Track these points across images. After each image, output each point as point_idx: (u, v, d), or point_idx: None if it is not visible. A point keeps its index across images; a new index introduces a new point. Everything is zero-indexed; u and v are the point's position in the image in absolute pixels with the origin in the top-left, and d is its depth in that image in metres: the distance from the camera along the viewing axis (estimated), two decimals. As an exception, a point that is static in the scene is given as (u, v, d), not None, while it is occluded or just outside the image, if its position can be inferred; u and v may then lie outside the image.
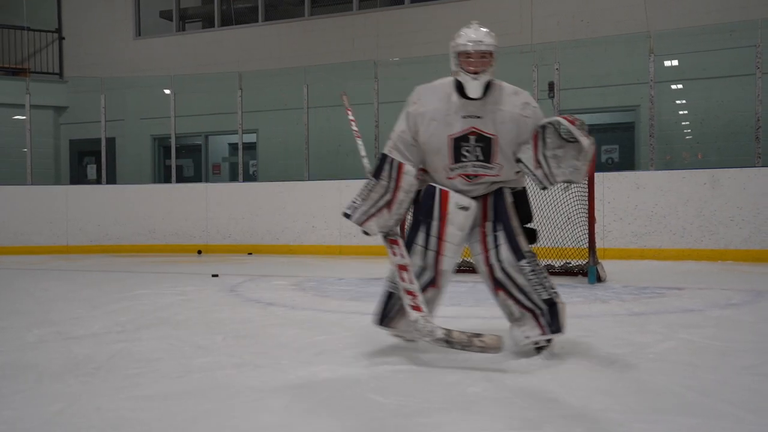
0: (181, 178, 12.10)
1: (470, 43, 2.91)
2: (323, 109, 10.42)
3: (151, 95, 11.98)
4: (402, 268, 2.95)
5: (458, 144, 2.95)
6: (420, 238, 3.01)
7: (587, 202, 5.80)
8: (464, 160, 2.96)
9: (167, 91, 10.91)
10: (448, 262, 2.99)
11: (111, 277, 6.72)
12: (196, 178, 12.48)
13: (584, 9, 10.33)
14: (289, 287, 5.66)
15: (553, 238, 6.29)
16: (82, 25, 13.56)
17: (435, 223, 2.97)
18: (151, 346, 3.30)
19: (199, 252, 9.63)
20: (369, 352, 3.10)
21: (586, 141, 2.81)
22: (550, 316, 2.93)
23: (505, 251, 2.96)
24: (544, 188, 2.96)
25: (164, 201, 9.96)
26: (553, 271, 6.15)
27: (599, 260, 5.78)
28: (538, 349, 2.98)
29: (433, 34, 11.20)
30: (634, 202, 7.68)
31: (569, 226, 6.20)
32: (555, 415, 2.18)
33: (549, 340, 2.96)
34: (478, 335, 2.77)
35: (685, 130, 9.86)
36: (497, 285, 3.00)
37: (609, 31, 9.77)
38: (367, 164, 3.24)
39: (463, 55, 2.91)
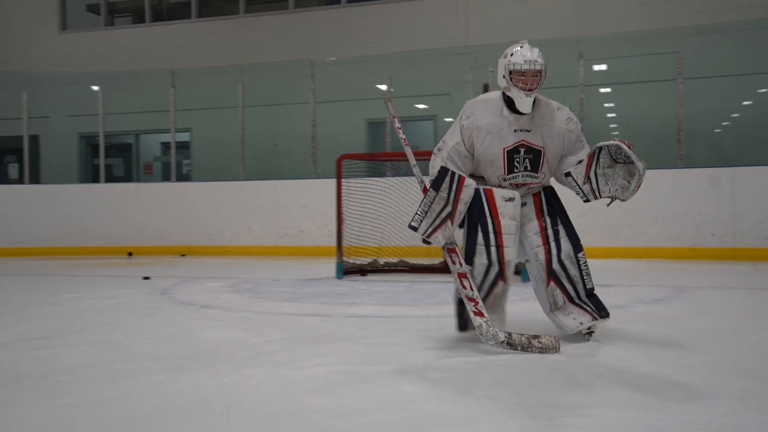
0: (111, 178, 11.72)
1: (525, 63, 3.13)
2: (259, 108, 10.30)
3: (79, 92, 11.54)
4: (461, 276, 3.07)
5: (511, 156, 3.15)
6: (480, 238, 3.13)
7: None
8: (515, 171, 3.18)
9: (95, 88, 10.53)
10: (511, 252, 3.15)
11: (38, 280, 6.45)
12: (127, 178, 12.11)
13: (518, 13, 10.57)
14: (224, 289, 5.55)
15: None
16: (2, 16, 12.94)
17: (489, 220, 3.12)
18: (80, 352, 3.17)
19: (130, 254, 9.34)
20: (305, 354, 3.07)
21: (641, 165, 3.04)
22: (594, 304, 3.23)
23: (565, 244, 3.23)
24: (587, 201, 3.22)
25: (93, 201, 9.62)
26: (488, 270, 6.25)
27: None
28: (588, 334, 3.24)
29: (370, 34, 11.25)
30: (565, 202, 7.86)
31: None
32: (490, 410, 2.20)
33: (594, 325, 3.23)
34: (536, 337, 2.98)
35: (614, 133, 10.21)
36: (550, 276, 3.22)
37: (541, 35, 10.01)
38: (418, 173, 3.35)
39: (517, 73, 3.13)
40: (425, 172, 3.27)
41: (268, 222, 8.99)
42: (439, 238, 3.07)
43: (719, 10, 9.54)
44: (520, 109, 3.15)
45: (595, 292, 3.26)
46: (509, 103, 3.18)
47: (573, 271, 3.21)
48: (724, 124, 9.61)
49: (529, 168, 3.18)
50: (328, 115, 10.09)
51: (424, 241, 3.09)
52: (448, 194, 3.06)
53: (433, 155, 3.26)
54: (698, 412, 2.16)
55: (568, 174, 3.20)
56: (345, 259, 6.43)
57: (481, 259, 3.14)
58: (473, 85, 8.72)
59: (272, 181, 9.10)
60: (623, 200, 3.18)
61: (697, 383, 2.49)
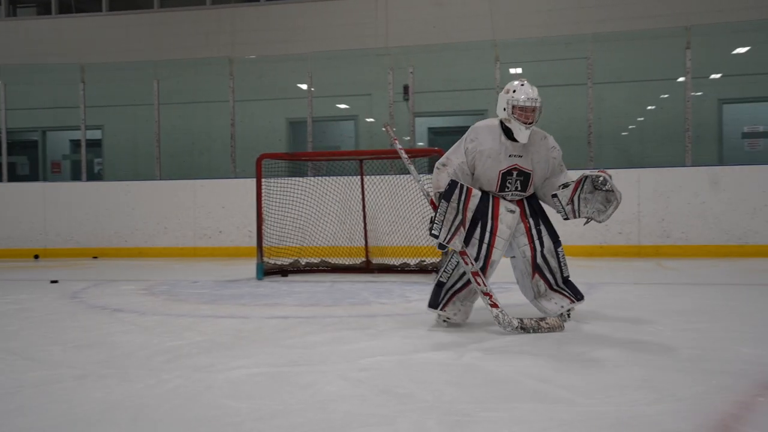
0: (14, 177, 11.10)
1: (528, 100, 3.56)
2: (176, 106, 10.03)
3: (-22, 85, 10.88)
4: (475, 274, 3.47)
5: (504, 177, 3.61)
6: (477, 232, 3.57)
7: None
8: (507, 189, 3.64)
9: (-3, 82, 9.96)
10: (498, 253, 3.59)
11: (-71, 286, 6.03)
12: (33, 177, 11.51)
13: (436, 16, 10.75)
14: (139, 292, 5.38)
15: (408, 237, 6.48)
16: None
17: (490, 221, 3.58)
18: (-23, 362, 2.99)
19: (36, 257, 8.89)
20: (224, 357, 3.02)
21: (619, 194, 3.52)
22: (570, 289, 3.74)
23: (547, 241, 3.68)
24: (567, 219, 3.64)
25: (-6, 202, 9.09)
26: (408, 269, 6.34)
27: (451, 257, 6.03)
28: (568, 314, 3.73)
29: (290, 33, 11.16)
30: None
31: (424, 226, 6.39)
32: (408, 409, 2.24)
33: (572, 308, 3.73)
34: (543, 319, 3.47)
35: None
36: (535, 269, 3.68)
37: (458, 38, 10.24)
38: (425, 187, 3.82)
39: (519, 108, 3.56)
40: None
41: (185, 222, 8.77)
42: (456, 243, 3.44)
43: (625, 18, 10.03)
44: (519, 139, 3.59)
45: (570, 279, 3.77)
46: (506, 131, 3.63)
47: (553, 263, 3.70)
48: (630, 127, 10.12)
49: (519, 188, 3.65)
50: (247, 114, 9.95)
51: (441, 246, 3.46)
52: (458, 204, 3.43)
53: (436, 170, 3.67)
54: (602, 402, 2.27)
55: (554, 195, 3.62)
56: (266, 259, 6.36)
57: (471, 251, 3.55)
58: (393, 86, 8.81)
59: (190, 181, 8.88)
60: (599, 222, 3.61)
61: (602, 375, 2.62)
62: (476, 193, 3.51)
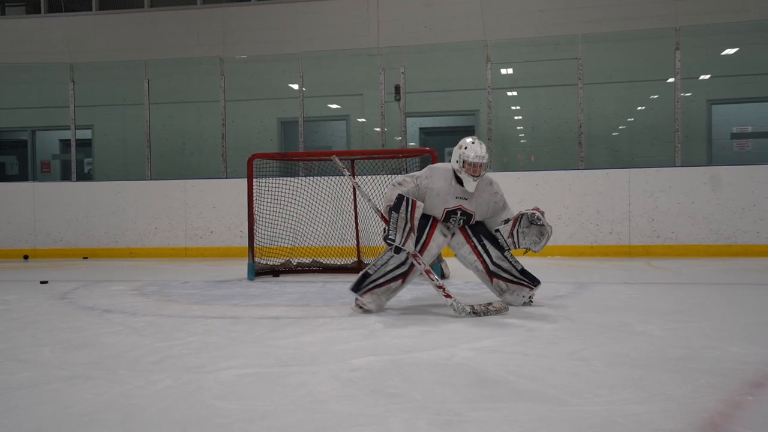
0: (4, 177, 11.04)
1: (476, 157, 4.10)
2: (166, 106, 10.00)
3: (-34, 84, 10.80)
4: (428, 272, 4.06)
5: (449, 214, 4.24)
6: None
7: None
8: (450, 223, 4.28)
9: (-15, 80, 9.90)
10: (420, 268, 4.09)
11: None
12: (22, 177, 11.45)
13: (427, 16, 10.76)
14: (129, 292, 5.35)
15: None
16: None
17: (424, 236, 4.20)
18: (-35, 363, 2.97)
19: (26, 257, 8.84)
20: (214, 357, 3.01)
21: (550, 228, 4.14)
22: (527, 277, 4.29)
23: (492, 250, 4.27)
24: (509, 249, 4.24)
25: (-17, 202, 9.02)
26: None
27: (443, 258, 6.03)
28: (531, 300, 4.32)
29: (281, 32, 11.14)
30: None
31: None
32: (399, 409, 2.24)
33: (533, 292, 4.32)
34: (489, 304, 4.04)
35: (520, 135, 10.59)
36: (492, 275, 4.28)
37: (449, 39, 10.25)
38: (377, 205, 4.64)
39: (469, 164, 4.11)
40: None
41: (176, 223, 8.74)
42: (410, 245, 3.97)
43: (615, 19, 10.08)
44: (467, 188, 4.15)
45: (524, 268, 4.30)
46: (458, 178, 4.19)
47: (505, 264, 4.27)
48: (620, 127, 10.17)
49: (461, 224, 4.29)
50: (238, 114, 9.93)
51: (397, 249, 3.96)
52: (407, 214, 3.95)
53: (392, 186, 4.20)
54: (592, 401, 2.28)
55: (497, 230, 4.22)
56: (257, 260, 6.34)
57: (402, 256, 4.11)
58: (385, 86, 8.82)
59: (181, 181, 8.85)
60: (535, 251, 4.19)
61: (592, 374, 2.63)
62: (419, 205, 4.01)
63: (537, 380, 2.55)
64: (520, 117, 10.64)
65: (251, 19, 11.42)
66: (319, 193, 6.78)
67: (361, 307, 4.19)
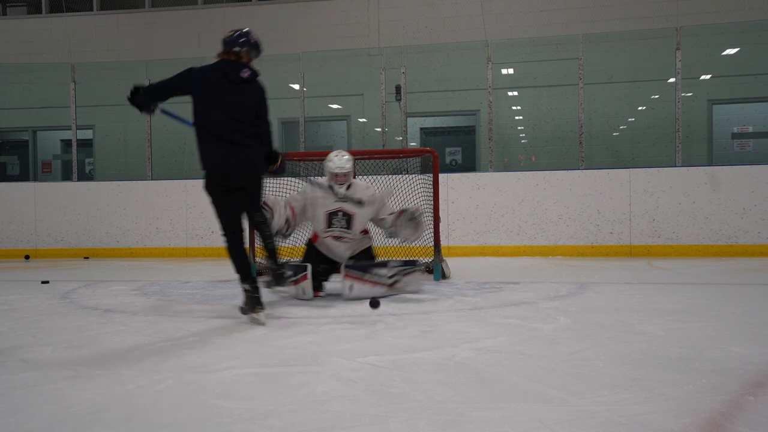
0: (5, 177, 11.05)
1: (337, 168, 4.83)
2: (167, 106, 9.99)
3: (-33, 84, 10.80)
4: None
5: (330, 217, 4.88)
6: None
7: (432, 202, 6.03)
8: (333, 227, 4.90)
9: (-14, 81, 9.90)
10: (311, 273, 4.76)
11: None
12: (23, 177, 11.44)
13: (427, 16, 10.76)
14: (130, 292, 5.36)
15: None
16: None
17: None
18: (-33, 363, 2.98)
19: (27, 257, 8.84)
20: (216, 357, 3.02)
21: (424, 224, 4.96)
22: (409, 265, 4.99)
23: (380, 271, 4.80)
24: (391, 237, 5.07)
25: (-16, 202, 9.03)
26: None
27: (444, 258, 6.04)
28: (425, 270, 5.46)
29: (282, 33, 11.14)
30: (476, 202, 8.12)
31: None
32: (400, 409, 2.25)
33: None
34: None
35: (521, 135, 10.59)
36: (392, 286, 4.83)
37: (450, 39, 10.25)
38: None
39: (333, 174, 4.84)
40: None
41: (177, 223, 8.75)
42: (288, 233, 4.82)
43: (615, 19, 10.07)
44: (338, 196, 4.83)
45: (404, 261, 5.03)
46: (332, 187, 4.88)
47: (393, 272, 4.83)
48: (621, 127, 10.16)
49: (344, 226, 4.89)
50: (240, 114, 9.91)
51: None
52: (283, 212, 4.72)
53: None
54: (593, 401, 2.29)
55: (381, 220, 4.97)
56: (258, 260, 6.33)
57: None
58: (386, 86, 8.82)
59: (181, 181, 8.85)
60: (411, 241, 5.01)
61: (594, 374, 2.63)
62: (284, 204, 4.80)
63: (538, 380, 2.55)
64: (521, 117, 10.64)
65: (252, 19, 11.42)
66: (320, 193, 6.78)
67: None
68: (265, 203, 4.39)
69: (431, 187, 6.02)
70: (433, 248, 5.99)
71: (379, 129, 9.34)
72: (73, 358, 3.06)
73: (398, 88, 8.87)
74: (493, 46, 8.72)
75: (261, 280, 4.22)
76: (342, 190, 4.83)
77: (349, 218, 4.88)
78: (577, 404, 2.26)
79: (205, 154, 4.04)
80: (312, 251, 5.09)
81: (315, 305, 4.56)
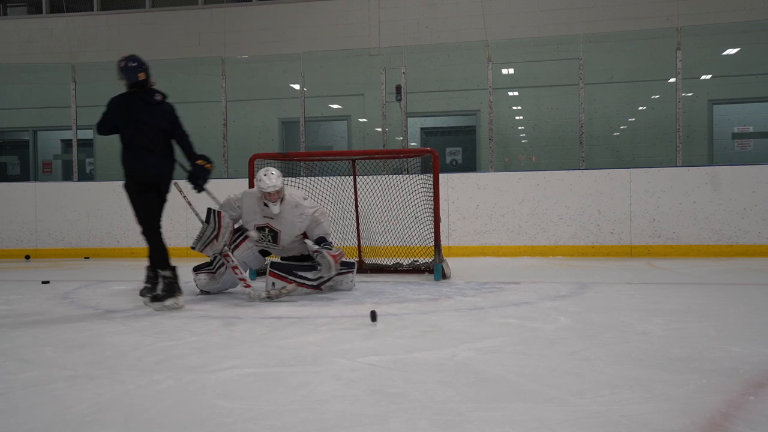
0: (5, 177, 11.05)
1: (268, 188, 4.93)
2: (167, 106, 9.98)
3: (-33, 84, 10.79)
4: (234, 268, 4.90)
5: (259, 229, 5.13)
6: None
7: (433, 202, 6.03)
8: (261, 240, 5.18)
9: (-14, 81, 9.90)
10: (230, 263, 4.96)
11: None
12: (24, 177, 11.44)
13: (427, 16, 10.76)
14: (131, 292, 5.36)
15: (401, 237, 6.49)
16: None
17: (237, 241, 5.26)
18: (-33, 363, 2.98)
19: (28, 257, 8.84)
20: (216, 357, 3.02)
21: (332, 269, 4.94)
22: (344, 266, 5.21)
23: (306, 274, 5.00)
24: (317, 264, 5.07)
25: (-15, 202, 9.02)
26: (401, 269, 6.35)
27: (444, 258, 6.04)
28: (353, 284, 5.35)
29: (282, 33, 11.14)
30: (476, 202, 8.12)
31: (416, 226, 6.42)
32: (401, 409, 2.24)
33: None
34: (283, 287, 4.82)
35: (521, 135, 10.58)
36: (318, 287, 5.05)
37: (451, 39, 10.24)
38: (200, 218, 5.10)
39: (264, 193, 4.95)
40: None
41: (177, 222, 8.74)
42: (208, 251, 4.94)
43: (615, 19, 10.07)
44: (272, 211, 4.99)
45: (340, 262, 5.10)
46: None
47: (321, 274, 5.01)
48: (621, 127, 10.16)
49: (271, 240, 5.14)
50: (240, 114, 9.92)
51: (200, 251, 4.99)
52: (214, 225, 4.88)
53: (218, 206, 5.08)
54: (594, 401, 2.28)
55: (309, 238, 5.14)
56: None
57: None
58: (386, 86, 8.82)
59: (181, 181, 8.82)
60: (326, 277, 5.02)
61: (594, 374, 2.63)
62: (224, 215, 4.96)
63: (538, 380, 2.55)
64: (522, 117, 10.64)
65: (252, 19, 11.43)
66: (321, 193, 6.78)
67: (251, 298, 4.75)
68: (218, 218, 4.88)
69: (432, 187, 6.02)
70: (433, 248, 5.99)
71: (379, 129, 9.33)
72: (74, 358, 3.06)
73: (398, 88, 8.86)
74: (494, 46, 8.72)
75: (195, 281, 5.20)
76: (276, 208, 4.97)
77: (275, 234, 5.10)
78: (577, 404, 2.26)
79: (126, 162, 4.84)
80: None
81: (315, 305, 4.56)
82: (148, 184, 4.73)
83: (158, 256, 4.68)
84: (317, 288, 5.02)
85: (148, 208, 4.75)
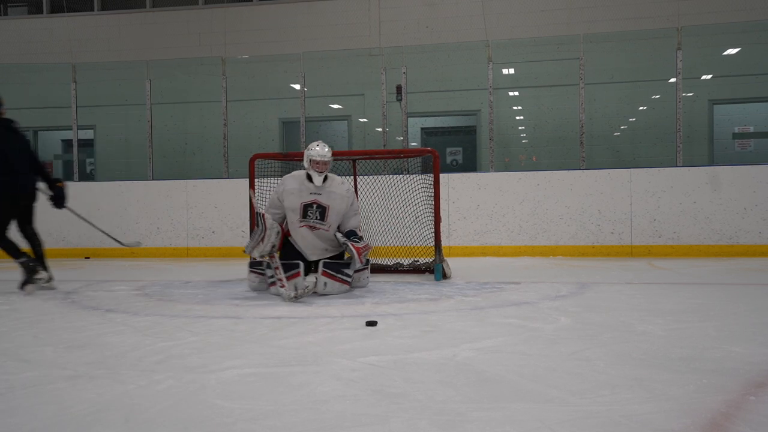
0: (6, 177, 11.01)
1: (319, 156, 5.10)
2: (168, 106, 10.00)
3: (-32, 84, 10.80)
4: (277, 269, 4.93)
5: (306, 208, 5.17)
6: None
7: (433, 202, 6.03)
8: (308, 217, 5.18)
9: (-13, 81, 9.89)
10: (275, 262, 5.03)
11: None
12: (24, 177, 11.42)
13: (428, 16, 10.76)
14: (131, 292, 5.36)
15: (401, 237, 6.48)
16: None
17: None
18: (-32, 363, 2.98)
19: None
20: (217, 357, 3.02)
21: (357, 262, 5.06)
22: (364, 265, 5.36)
23: (338, 269, 5.07)
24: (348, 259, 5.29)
25: (-15, 202, 9.02)
26: (401, 269, 6.35)
27: (445, 258, 6.04)
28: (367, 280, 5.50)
29: (282, 33, 11.14)
30: (476, 202, 8.12)
31: (417, 226, 6.42)
32: (401, 409, 2.24)
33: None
34: (307, 286, 4.83)
35: (521, 135, 10.58)
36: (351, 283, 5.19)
37: (451, 39, 10.24)
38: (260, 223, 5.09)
39: (314, 162, 5.12)
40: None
41: (178, 223, 8.75)
42: (256, 253, 4.98)
43: (616, 19, 10.07)
44: (315, 182, 5.15)
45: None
46: (309, 177, 5.19)
47: (346, 270, 5.11)
48: (622, 127, 10.16)
49: (318, 218, 5.17)
50: (240, 114, 9.93)
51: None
52: (261, 227, 4.98)
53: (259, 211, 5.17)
54: (594, 401, 2.28)
55: (343, 221, 5.27)
56: (259, 260, 6.33)
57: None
58: (386, 86, 8.81)
59: (182, 181, 8.85)
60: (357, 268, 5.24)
61: (594, 374, 2.63)
62: (268, 216, 5.02)
63: (539, 380, 2.55)
64: (522, 117, 10.64)
65: (252, 19, 11.43)
66: (321, 193, 6.78)
67: (284, 298, 4.75)
68: (263, 220, 4.99)
69: (432, 187, 6.02)
70: (433, 248, 5.99)
71: (379, 129, 9.34)
72: (74, 358, 3.06)
73: (399, 88, 8.86)
74: (494, 46, 8.72)
75: (247, 280, 5.41)
76: (319, 180, 5.12)
77: (323, 210, 5.16)
78: (577, 404, 2.26)
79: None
80: (286, 247, 5.32)
81: (316, 305, 4.56)
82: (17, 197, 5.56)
83: (9, 252, 5.59)
84: (350, 285, 5.16)
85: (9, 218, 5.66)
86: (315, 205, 5.14)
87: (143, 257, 8.71)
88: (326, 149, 5.14)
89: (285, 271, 4.91)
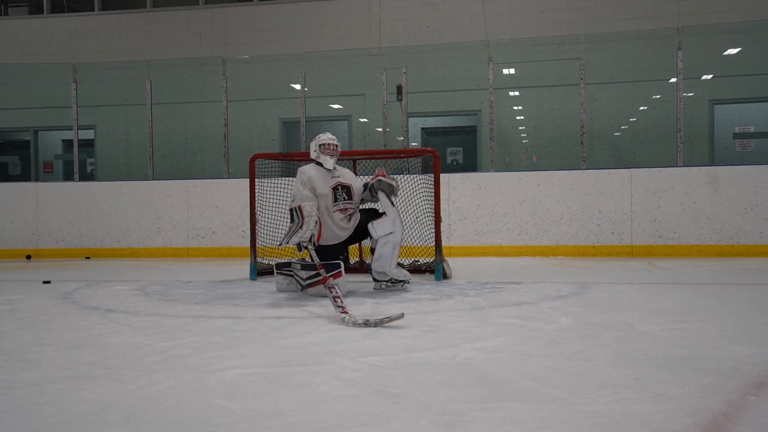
0: (6, 177, 11.07)
1: (329, 140, 5.33)
2: (168, 106, 10.01)
3: (-31, 85, 10.81)
4: (337, 297, 4.20)
5: (334, 191, 5.25)
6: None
7: (434, 202, 6.03)
8: (338, 200, 5.25)
9: (-12, 81, 9.91)
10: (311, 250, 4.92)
11: None
12: (25, 177, 11.46)
13: (428, 16, 10.76)
14: (132, 292, 5.36)
15: (402, 237, 6.46)
16: None
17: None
18: (-31, 363, 2.98)
19: (28, 257, 8.85)
20: (217, 357, 3.02)
21: (395, 183, 5.27)
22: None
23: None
24: (373, 201, 5.43)
25: (-14, 202, 9.03)
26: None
27: (445, 258, 6.03)
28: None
29: (283, 33, 11.15)
30: (477, 202, 8.12)
31: (417, 226, 6.42)
32: (402, 409, 2.24)
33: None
34: (387, 317, 3.77)
35: (522, 135, 10.58)
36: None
37: (451, 39, 10.25)
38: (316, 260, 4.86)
39: (324, 146, 5.30)
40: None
41: (178, 223, 8.75)
42: (294, 240, 4.83)
43: (616, 19, 10.07)
44: (326, 167, 5.30)
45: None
46: (320, 165, 5.34)
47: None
48: (622, 127, 10.16)
49: (346, 198, 5.29)
50: (240, 114, 9.94)
51: (299, 246, 4.86)
52: (299, 219, 4.90)
53: (289, 207, 5.12)
54: (595, 401, 2.28)
55: (364, 189, 5.40)
56: (259, 260, 6.35)
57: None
58: (387, 86, 8.81)
59: (183, 181, 8.85)
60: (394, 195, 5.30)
61: (595, 374, 2.63)
62: (305, 203, 4.96)
63: (539, 380, 2.55)
64: (522, 117, 10.64)
65: (253, 19, 11.44)
66: (321, 193, 6.78)
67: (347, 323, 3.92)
68: (300, 210, 4.94)
69: (432, 187, 6.02)
70: (434, 248, 5.99)
71: (380, 129, 9.33)
72: (75, 358, 3.06)
73: (399, 88, 8.87)
74: (495, 46, 8.72)
75: (275, 281, 5.32)
76: (331, 164, 5.31)
77: (348, 189, 5.33)
78: (578, 404, 2.26)
79: None
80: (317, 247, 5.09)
81: (316, 305, 4.56)
82: None
83: None
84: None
85: None
86: (340, 187, 5.28)
87: (143, 257, 8.71)
88: (333, 136, 5.38)
89: (327, 271, 4.62)
